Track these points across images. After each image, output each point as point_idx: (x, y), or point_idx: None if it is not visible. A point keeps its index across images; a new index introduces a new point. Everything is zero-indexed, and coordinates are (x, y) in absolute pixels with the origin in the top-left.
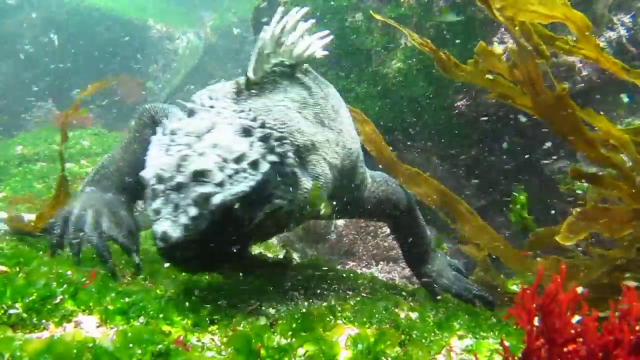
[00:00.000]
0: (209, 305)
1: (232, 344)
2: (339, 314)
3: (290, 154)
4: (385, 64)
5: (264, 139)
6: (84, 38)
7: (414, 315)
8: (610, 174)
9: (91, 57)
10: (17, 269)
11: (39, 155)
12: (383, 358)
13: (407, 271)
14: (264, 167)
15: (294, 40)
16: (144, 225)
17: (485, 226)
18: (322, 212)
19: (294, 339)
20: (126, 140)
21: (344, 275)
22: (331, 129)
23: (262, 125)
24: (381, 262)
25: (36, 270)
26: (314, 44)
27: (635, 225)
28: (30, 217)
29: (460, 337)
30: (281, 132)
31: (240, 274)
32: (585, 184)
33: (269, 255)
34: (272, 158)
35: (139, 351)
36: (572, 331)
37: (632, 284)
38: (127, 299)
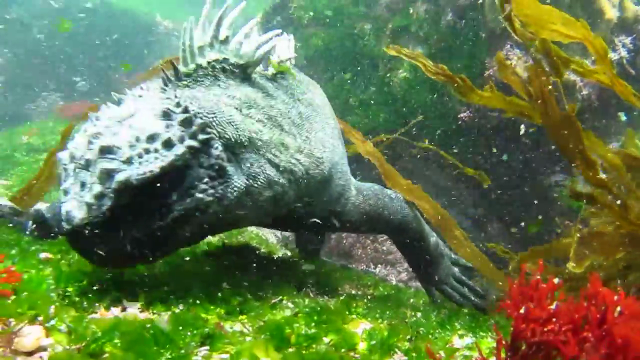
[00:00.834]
0: (238, 297)
1: (265, 330)
2: (354, 310)
3: (216, 144)
4: (392, 73)
5: (185, 123)
6: (92, 30)
7: (418, 314)
8: (603, 195)
9: (97, 49)
10: (59, 256)
11: (46, 145)
12: (396, 349)
13: (404, 275)
14: (179, 149)
15: (240, 40)
16: None
17: (478, 253)
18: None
19: (317, 329)
20: None
21: (350, 275)
22: (291, 134)
23: (185, 111)
24: (379, 265)
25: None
26: (266, 45)
27: (625, 249)
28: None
29: (461, 336)
30: (206, 119)
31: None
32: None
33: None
34: (191, 143)
35: (189, 333)
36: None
37: None
38: (165, 288)
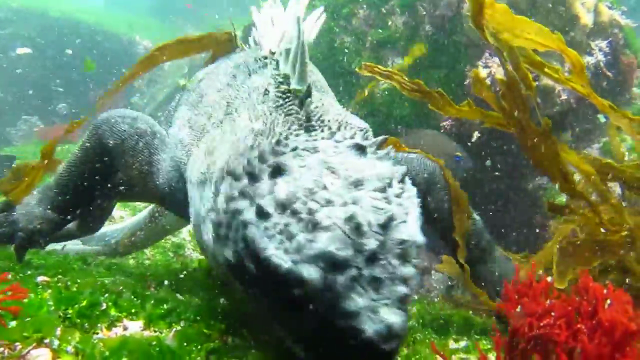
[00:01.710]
0: (237, 312)
1: (269, 343)
2: None
3: None
4: (374, 85)
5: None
6: (73, 54)
7: (412, 321)
8: (578, 206)
9: (77, 71)
10: (56, 279)
11: None
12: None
13: None
14: (409, 181)
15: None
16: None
17: None
18: None
19: None
20: (73, 160)
21: None
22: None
23: (366, 138)
24: None
25: (75, 280)
26: (315, 27)
27: (601, 257)
28: None
29: (456, 340)
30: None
31: None
32: (563, 200)
33: None
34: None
35: (194, 348)
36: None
37: None
38: (165, 306)
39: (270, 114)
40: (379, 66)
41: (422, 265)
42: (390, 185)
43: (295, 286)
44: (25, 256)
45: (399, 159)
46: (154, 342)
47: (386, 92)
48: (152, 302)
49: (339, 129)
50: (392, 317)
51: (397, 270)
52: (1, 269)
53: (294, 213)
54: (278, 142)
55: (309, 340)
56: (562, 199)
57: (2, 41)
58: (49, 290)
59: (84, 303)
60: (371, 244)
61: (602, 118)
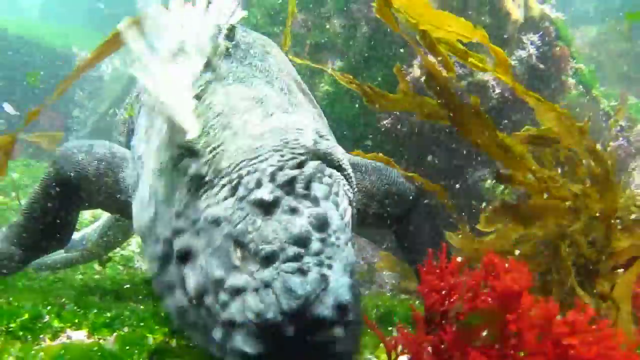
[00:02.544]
0: None
1: None
2: None
3: None
4: (314, 87)
5: None
6: (5, 66)
7: None
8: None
9: (12, 85)
10: None
11: None
12: None
13: None
14: None
15: None
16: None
17: None
18: None
19: None
20: (34, 197)
21: None
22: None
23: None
24: None
25: (17, 295)
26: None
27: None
28: None
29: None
30: None
31: None
32: (506, 191)
33: None
34: None
35: (136, 351)
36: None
37: None
38: (108, 314)
39: None
40: None
41: (372, 262)
42: (306, 244)
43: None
44: None
45: (389, 173)
46: (95, 348)
47: (326, 95)
48: (95, 311)
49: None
50: (342, 290)
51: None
52: None
53: (208, 309)
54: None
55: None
56: (500, 188)
57: None
58: None
59: (26, 316)
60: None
61: None
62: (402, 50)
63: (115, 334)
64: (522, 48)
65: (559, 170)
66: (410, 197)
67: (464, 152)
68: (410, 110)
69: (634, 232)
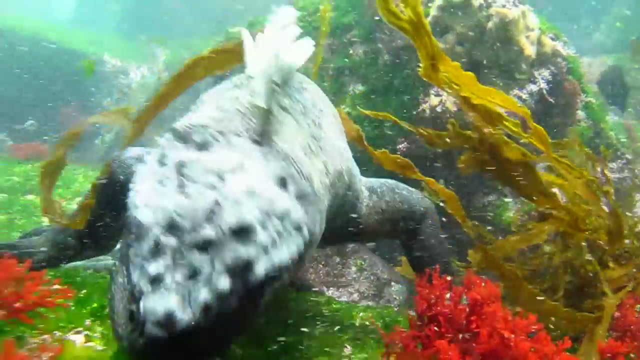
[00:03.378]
0: None
1: None
2: None
3: (318, 217)
4: (336, 109)
5: (301, 196)
6: (40, 71)
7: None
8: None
9: (46, 89)
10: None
11: (0, 186)
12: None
13: (356, 296)
14: (305, 232)
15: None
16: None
17: None
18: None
19: None
20: (90, 191)
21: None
22: (317, 155)
23: (297, 175)
24: (332, 288)
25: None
26: (302, 54)
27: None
28: None
29: None
30: (306, 183)
31: None
32: (511, 215)
33: None
34: (309, 224)
35: None
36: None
37: None
38: None
39: (233, 115)
40: None
41: (383, 277)
42: (282, 219)
43: (133, 225)
44: None
45: (407, 187)
46: None
47: (347, 117)
48: None
49: (282, 158)
50: (173, 305)
51: (213, 273)
52: None
53: (181, 174)
54: (221, 132)
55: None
56: (510, 214)
57: None
58: None
59: (95, 305)
60: (208, 232)
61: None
62: (418, 79)
63: None
64: (534, 82)
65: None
66: (420, 213)
67: (475, 177)
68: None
69: (626, 265)
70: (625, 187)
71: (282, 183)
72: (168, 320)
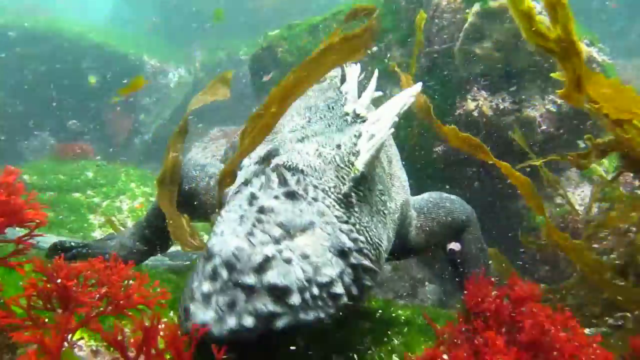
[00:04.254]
0: None
1: None
2: None
3: (369, 280)
4: None
5: (355, 269)
6: (81, 71)
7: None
8: None
9: (87, 90)
10: None
11: (48, 185)
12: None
13: (390, 295)
14: (342, 300)
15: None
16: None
17: None
18: None
19: None
20: (156, 203)
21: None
22: (389, 201)
23: (359, 251)
24: None
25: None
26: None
27: None
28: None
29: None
30: (371, 261)
31: None
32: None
33: None
34: (355, 291)
35: None
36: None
37: None
38: None
39: (329, 165)
40: None
41: (417, 277)
42: (322, 287)
43: (208, 246)
44: None
45: (450, 196)
46: None
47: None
48: None
49: (353, 225)
50: (208, 319)
51: (244, 311)
52: None
53: (258, 219)
54: (315, 187)
55: (188, 292)
56: (539, 218)
57: (15, 60)
58: None
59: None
60: (251, 280)
61: (582, 144)
62: (455, 83)
63: None
64: None
65: None
66: (462, 222)
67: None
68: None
69: None
70: None
71: (342, 255)
72: (200, 322)
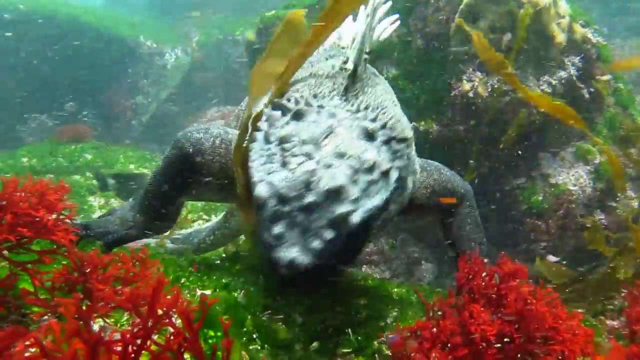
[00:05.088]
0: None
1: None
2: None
3: (412, 155)
4: None
5: (388, 142)
6: (77, 54)
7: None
8: None
9: (84, 72)
10: None
11: (47, 167)
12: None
13: (387, 274)
14: (395, 174)
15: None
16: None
17: None
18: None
19: None
20: (158, 171)
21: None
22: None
23: (384, 126)
24: (364, 266)
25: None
26: (388, 28)
27: None
28: None
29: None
30: (396, 129)
31: None
32: (540, 199)
33: None
34: (399, 163)
35: (255, 305)
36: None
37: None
38: (224, 280)
39: (325, 79)
40: None
41: (413, 256)
42: (370, 170)
43: (256, 197)
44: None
45: (446, 172)
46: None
47: None
48: (214, 277)
49: (366, 109)
50: (295, 254)
51: (320, 228)
52: None
53: (283, 149)
54: (315, 96)
55: (264, 247)
56: (539, 197)
57: (10, 42)
58: None
59: (171, 277)
60: (309, 199)
61: None
62: (450, 64)
63: (242, 290)
64: (564, 69)
65: None
66: (460, 194)
67: (504, 160)
68: None
69: None
70: None
71: (369, 136)
72: (292, 265)
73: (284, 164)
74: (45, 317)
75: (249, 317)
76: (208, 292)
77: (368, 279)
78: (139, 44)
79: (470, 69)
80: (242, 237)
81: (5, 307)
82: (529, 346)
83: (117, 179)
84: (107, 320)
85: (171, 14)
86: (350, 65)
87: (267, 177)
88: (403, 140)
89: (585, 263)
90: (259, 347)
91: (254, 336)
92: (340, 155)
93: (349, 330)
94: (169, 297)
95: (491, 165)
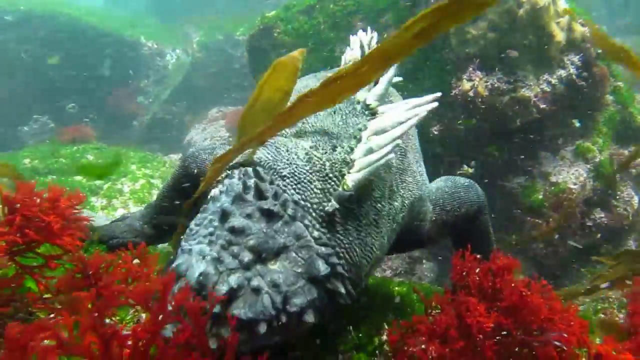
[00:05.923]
0: None
1: None
2: None
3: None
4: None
5: (330, 292)
6: (79, 55)
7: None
8: None
9: (85, 72)
10: None
11: (49, 168)
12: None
13: (388, 272)
14: (311, 324)
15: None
16: None
17: None
18: None
19: None
20: (166, 185)
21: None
22: (395, 197)
23: (336, 275)
24: None
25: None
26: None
27: None
28: None
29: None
30: (351, 282)
31: None
32: (540, 197)
33: None
34: (327, 312)
35: None
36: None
37: None
38: None
39: (317, 181)
40: None
41: (414, 255)
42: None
43: (174, 268)
44: None
45: (464, 183)
46: None
47: None
48: None
49: (333, 248)
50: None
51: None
52: None
53: (228, 242)
54: (295, 202)
55: None
56: (538, 196)
57: (11, 44)
58: None
59: None
60: (217, 310)
61: (576, 123)
62: (451, 64)
63: None
64: (563, 67)
65: None
66: (473, 212)
67: (505, 159)
68: None
69: None
70: None
71: (316, 282)
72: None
73: (218, 259)
74: (52, 315)
75: None
76: None
77: (369, 277)
78: (139, 45)
79: (470, 68)
80: None
81: (12, 306)
82: (526, 337)
83: None
84: (113, 319)
85: (172, 15)
86: (349, 183)
87: (195, 256)
88: (347, 293)
89: (584, 261)
90: None
91: None
92: (274, 285)
93: (350, 327)
94: (177, 292)
95: (491, 164)
